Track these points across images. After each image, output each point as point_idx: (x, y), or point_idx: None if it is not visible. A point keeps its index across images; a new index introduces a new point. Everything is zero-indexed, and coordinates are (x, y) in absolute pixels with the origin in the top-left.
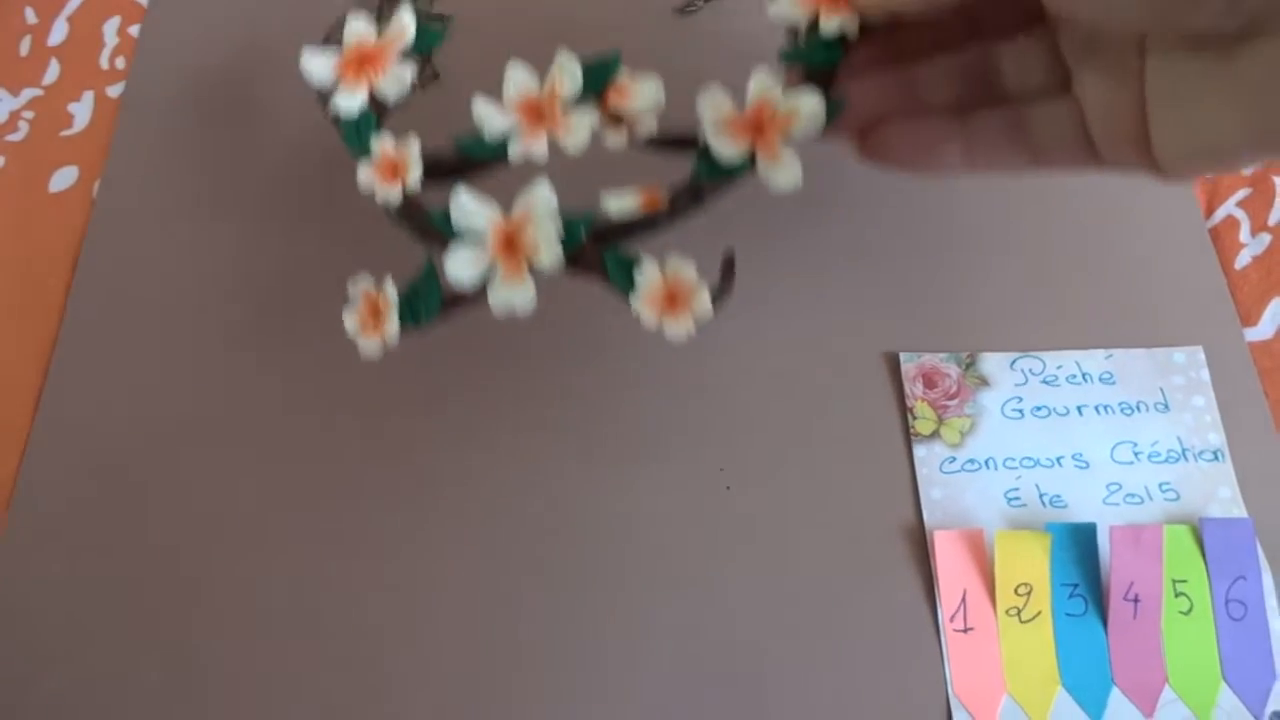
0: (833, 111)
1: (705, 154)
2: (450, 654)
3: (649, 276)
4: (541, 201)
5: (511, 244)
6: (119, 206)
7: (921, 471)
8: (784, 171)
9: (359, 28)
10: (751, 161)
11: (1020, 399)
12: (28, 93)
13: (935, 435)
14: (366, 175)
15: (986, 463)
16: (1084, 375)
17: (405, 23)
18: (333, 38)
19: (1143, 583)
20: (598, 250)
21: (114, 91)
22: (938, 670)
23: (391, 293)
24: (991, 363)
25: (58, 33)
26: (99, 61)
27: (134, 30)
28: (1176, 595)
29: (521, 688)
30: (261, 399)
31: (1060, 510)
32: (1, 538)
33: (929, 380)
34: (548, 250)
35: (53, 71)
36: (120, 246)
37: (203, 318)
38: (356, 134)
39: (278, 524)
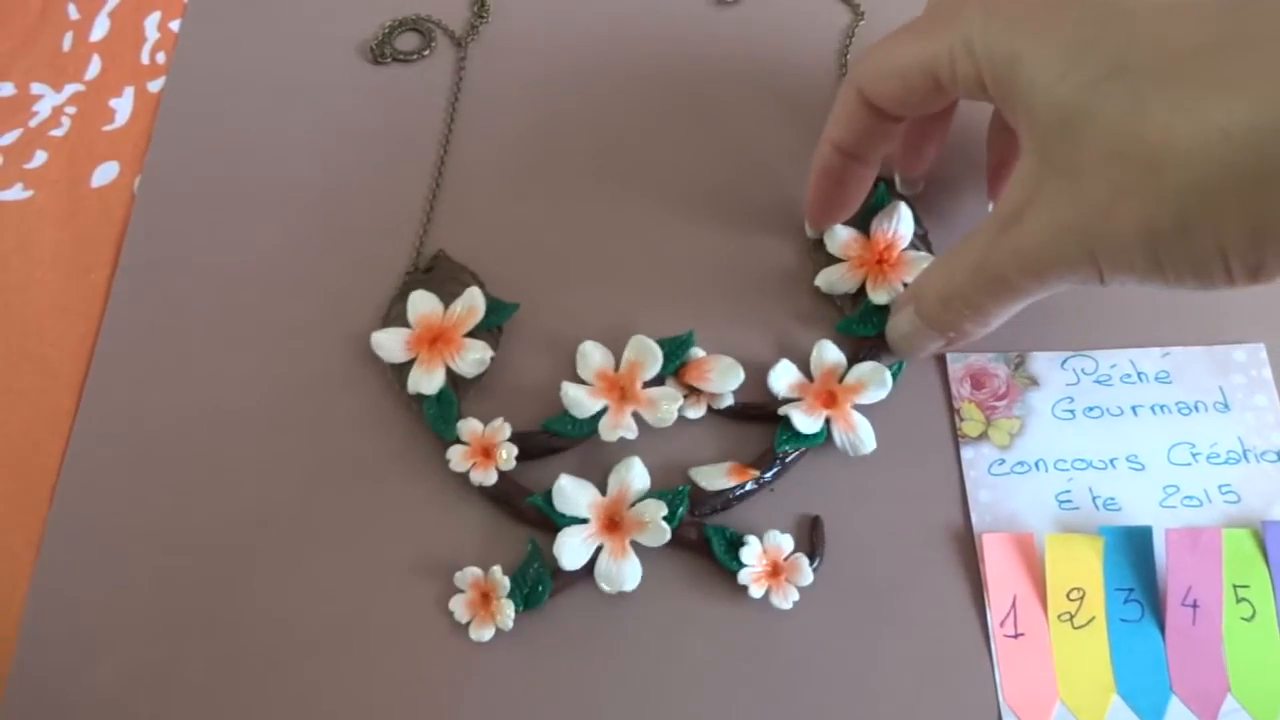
0: (896, 373)
1: (786, 425)
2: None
3: (754, 555)
4: (638, 481)
5: (614, 523)
6: (160, 201)
7: (969, 474)
8: (860, 439)
9: (424, 304)
10: (828, 429)
11: (1072, 399)
12: (70, 88)
13: (983, 436)
14: (457, 457)
15: (1036, 464)
16: (1139, 374)
17: (476, 301)
18: (393, 314)
19: (1202, 587)
20: (696, 524)
21: (155, 86)
22: (988, 677)
23: (502, 580)
24: (1041, 362)
25: (99, 28)
26: (140, 56)
27: (175, 25)
28: (1238, 601)
29: None
30: (305, 390)
31: (1114, 513)
32: (48, 528)
33: (976, 381)
34: (655, 530)
35: (94, 67)
36: (162, 241)
37: (245, 312)
38: (441, 417)
39: (324, 516)
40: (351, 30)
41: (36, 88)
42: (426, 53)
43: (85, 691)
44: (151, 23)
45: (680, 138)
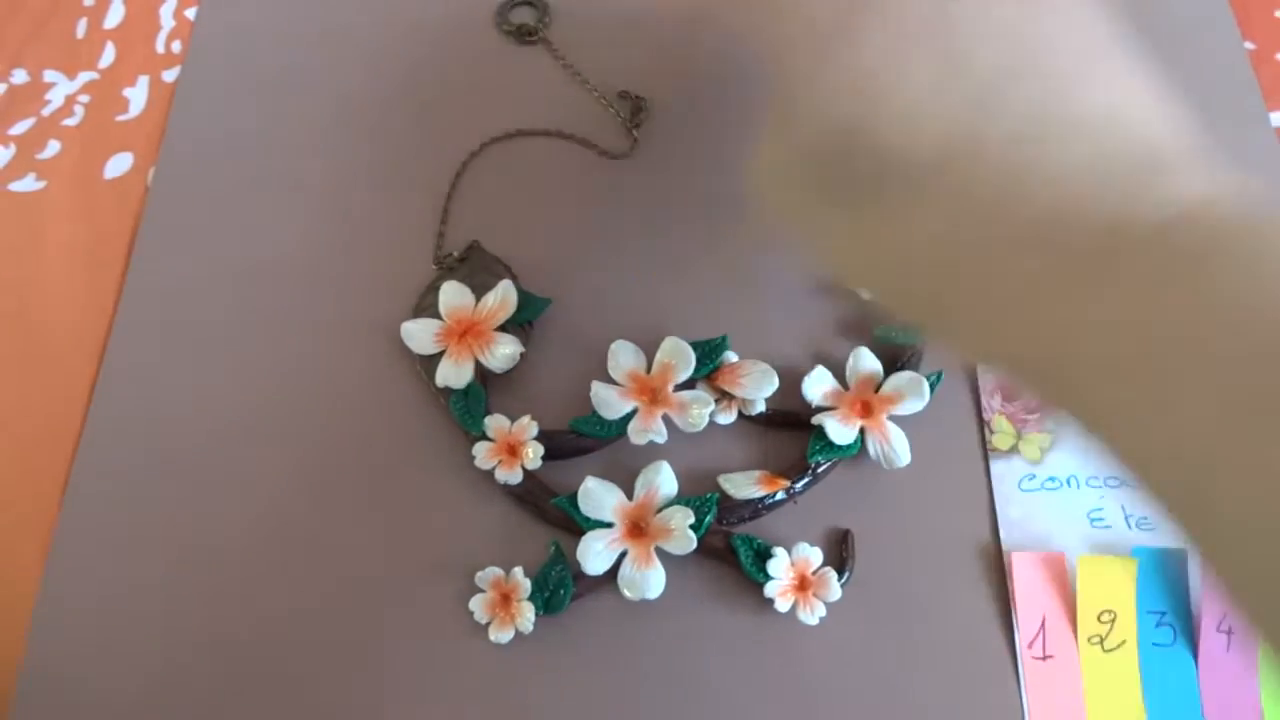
0: (934, 384)
1: (820, 435)
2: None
3: (782, 567)
4: (666, 486)
5: (640, 529)
6: (175, 193)
7: (999, 489)
8: (895, 452)
9: (456, 296)
10: (862, 439)
11: None
12: (84, 76)
13: (1014, 450)
14: (483, 454)
15: (1068, 481)
16: None
17: (509, 295)
18: (424, 304)
19: None
20: (723, 533)
21: (170, 76)
22: (1014, 700)
23: (523, 581)
24: None
25: (114, 15)
26: (155, 45)
27: (190, 13)
28: None
29: None
30: (325, 385)
31: (1147, 533)
32: (57, 528)
33: (1008, 393)
34: (681, 538)
35: (109, 55)
36: (176, 234)
37: (262, 306)
38: (468, 412)
39: (344, 511)
40: (370, 18)
41: (49, 75)
42: None
43: (96, 696)
44: (167, 10)
45: (721, 133)
